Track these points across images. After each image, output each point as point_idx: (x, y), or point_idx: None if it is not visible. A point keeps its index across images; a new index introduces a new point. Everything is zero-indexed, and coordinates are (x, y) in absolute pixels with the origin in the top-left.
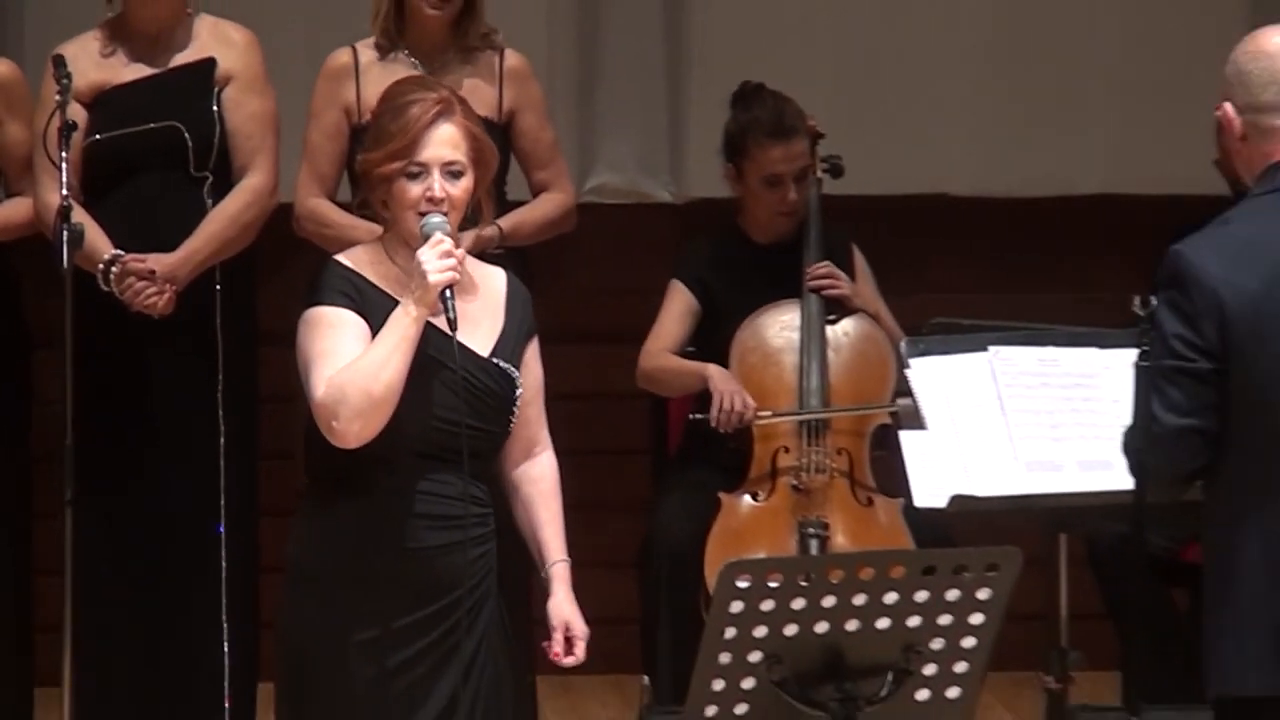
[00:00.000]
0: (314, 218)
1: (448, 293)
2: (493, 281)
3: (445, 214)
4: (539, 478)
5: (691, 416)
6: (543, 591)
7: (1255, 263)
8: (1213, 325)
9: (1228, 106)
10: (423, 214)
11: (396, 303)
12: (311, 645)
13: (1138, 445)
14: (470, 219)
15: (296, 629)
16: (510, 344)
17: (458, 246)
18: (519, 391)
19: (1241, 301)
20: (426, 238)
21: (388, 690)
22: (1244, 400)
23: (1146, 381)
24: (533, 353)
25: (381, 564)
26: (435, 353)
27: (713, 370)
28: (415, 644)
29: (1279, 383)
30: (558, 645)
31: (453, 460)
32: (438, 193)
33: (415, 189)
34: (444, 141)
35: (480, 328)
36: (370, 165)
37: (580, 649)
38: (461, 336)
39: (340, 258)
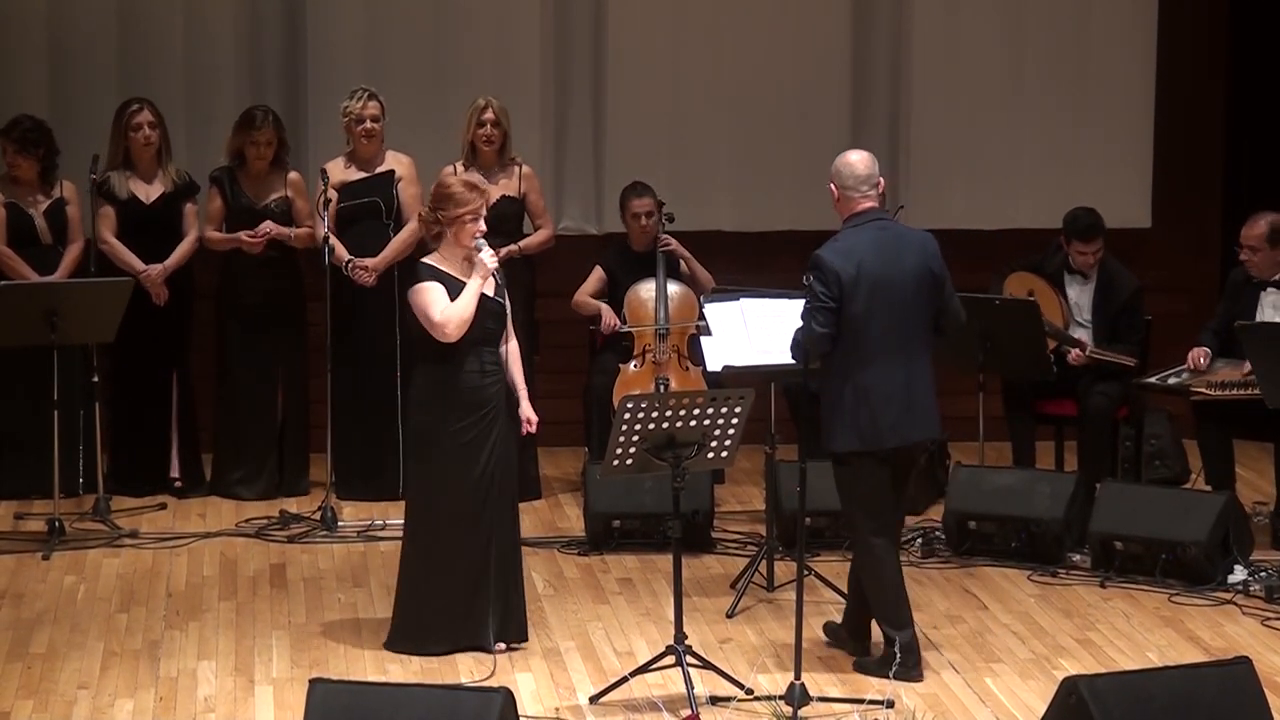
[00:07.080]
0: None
1: (496, 271)
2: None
3: (485, 239)
4: (510, 350)
5: (595, 327)
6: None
7: (849, 256)
8: (835, 287)
9: (833, 186)
10: (477, 239)
11: (453, 277)
12: (426, 430)
13: (801, 342)
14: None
15: (420, 423)
16: (504, 294)
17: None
18: (509, 313)
19: (845, 275)
20: (479, 249)
21: (458, 450)
22: (844, 321)
23: (806, 312)
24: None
25: (456, 391)
26: (484, 297)
27: (603, 307)
28: (472, 430)
29: (858, 315)
30: (525, 426)
31: (487, 342)
32: (482, 228)
33: (472, 227)
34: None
35: (493, 288)
36: (454, 215)
37: (534, 428)
38: (486, 291)
39: (425, 259)
